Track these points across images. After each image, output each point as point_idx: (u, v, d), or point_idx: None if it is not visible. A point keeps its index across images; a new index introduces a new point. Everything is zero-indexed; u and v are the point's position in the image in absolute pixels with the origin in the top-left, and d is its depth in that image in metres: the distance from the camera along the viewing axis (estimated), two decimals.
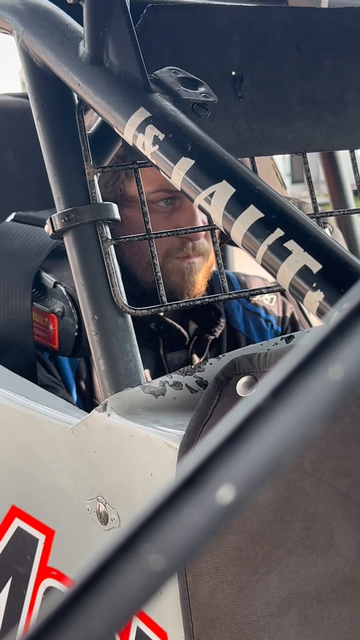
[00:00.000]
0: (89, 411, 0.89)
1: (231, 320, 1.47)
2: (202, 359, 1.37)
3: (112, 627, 0.20)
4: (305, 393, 0.21)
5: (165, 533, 0.20)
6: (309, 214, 0.94)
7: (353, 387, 0.21)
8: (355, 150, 1.04)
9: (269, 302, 1.54)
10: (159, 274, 0.89)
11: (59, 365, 1.25)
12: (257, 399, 0.21)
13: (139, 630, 0.85)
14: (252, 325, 1.49)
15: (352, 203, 1.74)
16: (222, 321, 1.42)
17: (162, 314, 1.31)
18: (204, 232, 1.27)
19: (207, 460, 0.21)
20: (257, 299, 1.53)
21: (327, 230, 1.54)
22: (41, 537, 0.98)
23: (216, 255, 0.91)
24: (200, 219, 1.27)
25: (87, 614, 0.20)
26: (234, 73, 0.94)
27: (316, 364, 0.21)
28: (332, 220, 1.64)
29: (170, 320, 1.34)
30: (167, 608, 0.79)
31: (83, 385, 1.26)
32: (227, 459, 0.21)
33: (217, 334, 1.41)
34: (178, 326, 1.33)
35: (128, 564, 0.20)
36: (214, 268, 1.36)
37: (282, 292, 1.56)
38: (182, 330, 1.34)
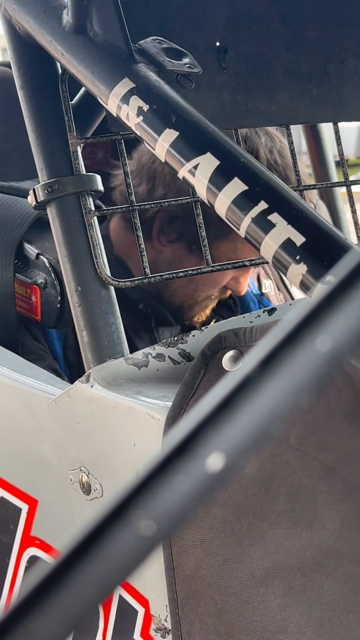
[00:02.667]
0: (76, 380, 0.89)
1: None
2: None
3: (104, 591, 0.21)
4: (293, 363, 0.21)
5: (156, 500, 0.21)
6: (292, 186, 0.95)
7: (340, 357, 0.21)
8: (338, 123, 1.04)
9: (272, 293, 1.59)
10: (142, 246, 0.89)
11: (46, 334, 1.25)
12: (246, 368, 0.22)
13: (121, 598, 0.86)
14: None
15: (335, 175, 1.74)
16: (239, 311, 1.46)
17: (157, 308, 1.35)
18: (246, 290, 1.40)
19: (196, 429, 0.22)
20: (266, 290, 1.58)
21: (311, 205, 1.56)
22: (24, 507, 0.99)
23: (199, 227, 0.91)
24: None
25: (78, 578, 0.21)
26: (218, 44, 0.94)
27: (304, 334, 0.22)
28: (315, 193, 1.64)
29: (157, 304, 1.35)
30: (149, 577, 0.80)
31: (70, 354, 1.26)
32: (216, 427, 0.21)
33: None
34: (165, 312, 1.34)
35: (119, 529, 0.21)
36: None
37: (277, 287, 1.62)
38: (168, 315, 1.35)
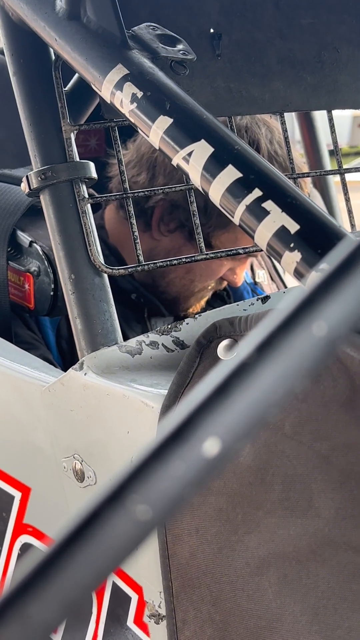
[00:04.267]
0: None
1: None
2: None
3: (99, 576, 0.21)
4: (289, 349, 0.21)
5: (152, 484, 0.21)
6: (286, 174, 0.95)
7: (337, 343, 0.21)
8: (332, 111, 1.04)
9: (265, 283, 1.59)
10: (136, 233, 0.89)
11: (39, 323, 1.25)
12: (243, 354, 0.22)
13: (114, 584, 0.86)
14: None
15: (328, 164, 1.74)
16: (232, 302, 1.47)
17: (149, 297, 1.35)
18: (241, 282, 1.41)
19: (192, 414, 0.22)
20: (259, 280, 1.58)
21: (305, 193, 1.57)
22: (17, 494, 0.99)
23: (193, 215, 0.91)
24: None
25: (74, 563, 0.21)
26: (212, 30, 0.93)
27: (300, 320, 0.22)
28: (308, 181, 1.64)
29: (149, 295, 1.35)
30: (143, 564, 0.80)
31: (63, 343, 1.26)
32: (212, 412, 0.21)
33: None
34: (157, 303, 1.34)
35: (116, 513, 0.21)
36: None
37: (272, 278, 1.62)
38: (161, 306, 1.35)
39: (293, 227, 0.65)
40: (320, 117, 1.70)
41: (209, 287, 1.36)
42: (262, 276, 1.63)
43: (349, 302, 0.21)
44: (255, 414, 0.21)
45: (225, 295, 1.48)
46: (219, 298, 1.46)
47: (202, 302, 1.39)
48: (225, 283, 1.39)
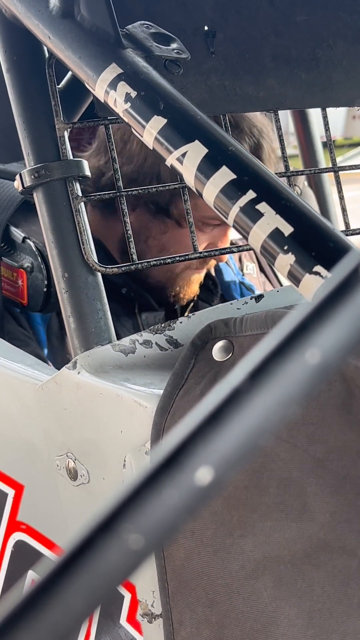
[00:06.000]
0: (61, 365, 0.89)
1: (227, 295, 1.49)
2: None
3: (91, 605, 0.21)
4: (282, 376, 0.21)
5: (145, 513, 0.21)
6: (279, 172, 0.94)
7: (330, 370, 0.21)
8: (327, 108, 1.04)
9: (254, 275, 1.58)
10: (130, 232, 0.88)
11: (30, 320, 1.24)
12: (235, 381, 0.22)
13: None
14: None
15: (322, 158, 1.74)
16: (219, 292, 1.45)
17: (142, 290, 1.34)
18: (227, 256, 1.38)
19: (185, 442, 0.21)
20: (246, 271, 1.57)
21: (297, 190, 1.56)
22: (10, 492, 0.99)
23: (187, 213, 0.90)
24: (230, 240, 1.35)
25: (66, 592, 0.21)
26: (206, 28, 0.93)
27: (294, 347, 0.22)
28: (302, 178, 1.64)
29: (140, 289, 1.34)
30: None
31: (55, 339, 1.26)
32: (205, 440, 0.21)
33: (215, 304, 1.42)
34: (148, 296, 1.34)
35: (108, 542, 0.21)
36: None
37: (261, 269, 1.61)
38: (151, 299, 1.34)
39: (287, 229, 0.65)
40: (314, 110, 1.70)
41: (194, 267, 1.33)
42: (250, 269, 1.62)
43: (342, 329, 0.21)
44: (248, 442, 0.21)
45: (211, 284, 1.46)
46: (206, 288, 1.44)
47: (193, 287, 1.35)
48: (212, 263, 1.37)
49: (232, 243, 1.47)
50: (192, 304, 1.42)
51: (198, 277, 1.36)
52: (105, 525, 0.21)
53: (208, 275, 1.44)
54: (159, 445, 0.25)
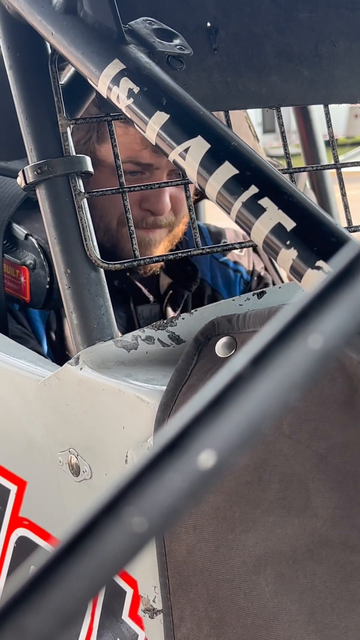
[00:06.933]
0: (59, 362, 0.89)
1: (209, 279, 1.47)
2: (177, 314, 1.37)
3: (95, 588, 0.21)
4: (284, 361, 0.22)
5: (148, 496, 0.21)
6: (282, 169, 0.95)
7: (331, 355, 0.21)
8: (329, 105, 1.04)
9: (239, 252, 1.54)
10: (132, 227, 0.88)
11: (29, 317, 1.25)
12: (238, 366, 0.22)
13: None
14: (218, 276, 1.49)
15: (324, 156, 1.74)
16: (199, 277, 1.43)
17: (128, 274, 1.33)
18: (169, 207, 1.28)
19: (188, 426, 0.22)
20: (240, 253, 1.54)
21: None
22: (13, 488, 0.99)
23: (189, 210, 0.91)
24: (169, 193, 1.27)
25: (70, 575, 0.21)
26: (209, 24, 0.93)
27: (296, 332, 0.22)
28: (304, 180, 1.64)
29: (134, 280, 1.34)
30: (139, 560, 0.81)
31: (53, 336, 1.26)
32: (208, 425, 0.22)
33: (193, 290, 1.42)
34: (139, 285, 1.33)
35: (111, 525, 0.21)
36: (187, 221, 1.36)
37: (254, 248, 1.58)
38: (145, 290, 1.34)
39: (289, 224, 0.65)
40: (316, 108, 1.70)
41: (141, 227, 1.25)
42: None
43: (344, 314, 0.21)
44: (250, 427, 0.21)
45: (190, 269, 1.42)
46: (184, 272, 1.41)
47: (152, 251, 1.27)
48: (152, 218, 1.28)
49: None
50: (170, 291, 1.39)
51: (153, 240, 1.29)
52: (109, 509, 0.21)
53: (187, 261, 1.42)
54: (163, 430, 0.25)
